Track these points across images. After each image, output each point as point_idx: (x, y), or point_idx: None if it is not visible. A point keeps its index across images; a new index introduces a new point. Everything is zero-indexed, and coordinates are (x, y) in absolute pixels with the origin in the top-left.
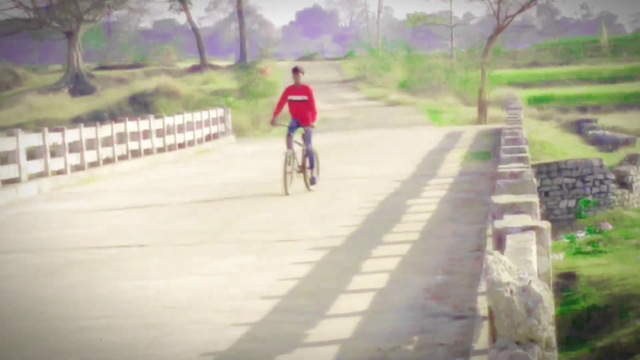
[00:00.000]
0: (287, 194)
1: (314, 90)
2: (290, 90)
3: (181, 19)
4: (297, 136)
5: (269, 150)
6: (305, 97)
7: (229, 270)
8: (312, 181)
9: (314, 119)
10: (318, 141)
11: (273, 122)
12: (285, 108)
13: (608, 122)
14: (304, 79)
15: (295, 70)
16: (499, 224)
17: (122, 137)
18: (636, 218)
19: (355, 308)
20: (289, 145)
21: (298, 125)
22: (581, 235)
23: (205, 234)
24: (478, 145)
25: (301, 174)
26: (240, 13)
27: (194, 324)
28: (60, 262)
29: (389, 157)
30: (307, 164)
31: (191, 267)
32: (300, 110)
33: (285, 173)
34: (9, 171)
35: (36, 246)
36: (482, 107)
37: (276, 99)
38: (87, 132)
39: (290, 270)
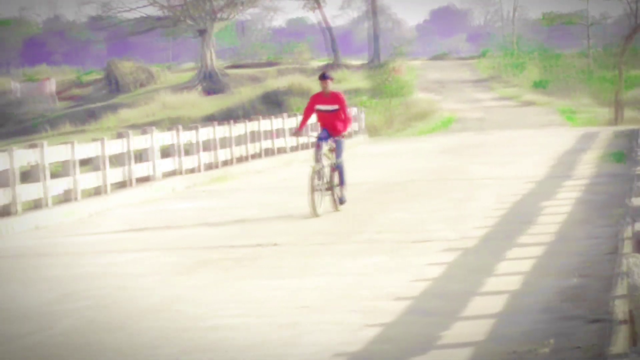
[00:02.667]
0: (316, 215)
1: (345, 98)
2: (317, 99)
3: (314, 17)
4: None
5: (402, 150)
6: (335, 106)
7: (361, 271)
8: (341, 201)
9: (346, 128)
10: (452, 140)
11: (297, 134)
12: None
13: None
14: (333, 86)
15: (324, 77)
16: (639, 226)
17: (255, 136)
18: None
19: (489, 310)
20: (318, 158)
21: (328, 135)
22: None
23: (338, 234)
24: (614, 146)
25: (329, 191)
26: (373, 11)
27: (326, 324)
28: (193, 260)
29: (523, 158)
30: (336, 180)
31: (324, 267)
32: (329, 120)
33: (312, 191)
34: (143, 169)
35: (169, 245)
36: (618, 107)
37: (410, 98)
38: (220, 131)
39: (423, 271)
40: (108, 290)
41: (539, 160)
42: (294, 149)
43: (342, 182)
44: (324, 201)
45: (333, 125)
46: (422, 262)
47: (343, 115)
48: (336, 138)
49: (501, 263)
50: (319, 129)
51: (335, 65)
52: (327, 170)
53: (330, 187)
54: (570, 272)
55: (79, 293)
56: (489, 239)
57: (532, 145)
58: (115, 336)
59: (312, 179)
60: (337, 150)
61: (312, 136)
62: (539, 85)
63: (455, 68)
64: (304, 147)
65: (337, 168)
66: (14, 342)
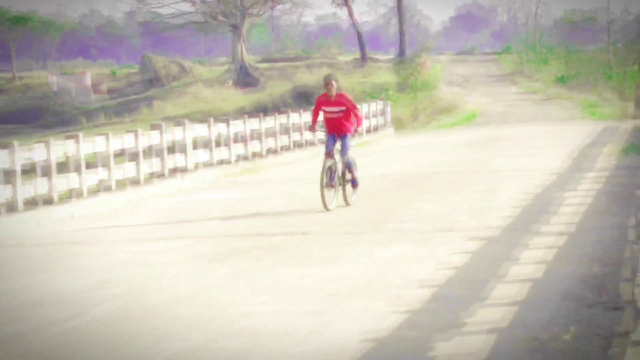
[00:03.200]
0: (327, 209)
1: (351, 98)
2: (323, 102)
3: (343, 13)
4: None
5: (428, 144)
6: (342, 108)
7: (388, 259)
8: (353, 183)
9: (359, 124)
10: (476, 134)
11: (312, 130)
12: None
13: None
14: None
15: (328, 81)
16: None
17: (285, 129)
18: None
19: (512, 297)
20: (330, 155)
21: (335, 139)
22: None
23: (365, 224)
24: (635, 139)
25: (340, 187)
26: (400, 8)
27: (354, 311)
28: (225, 249)
29: (546, 151)
30: (348, 176)
31: (351, 256)
32: (335, 123)
33: (322, 187)
34: (176, 160)
35: (202, 234)
36: (639, 102)
37: (435, 92)
38: (252, 123)
39: (448, 259)
40: (141, 277)
41: (561, 153)
42: (323, 141)
43: (351, 169)
44: (337, 196)
45: (339, 127)
46: (447, 251)
47: (353, 116)
48: (342, 137)
49: (524, 252)
50: (326, 130)
51: (362, 60)
52: (339, 166)
53: (342, 183)
54: (591, 261)
55: (113, 280)
56: (512, 229)
57: (555, 139)
58: (149, 322)
59: (323, 176)
60: (343, 148)
61: (322, 131)
62: (561, 80)
63: (479, 63)
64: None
65: (347, 165)
66: (52, 328)
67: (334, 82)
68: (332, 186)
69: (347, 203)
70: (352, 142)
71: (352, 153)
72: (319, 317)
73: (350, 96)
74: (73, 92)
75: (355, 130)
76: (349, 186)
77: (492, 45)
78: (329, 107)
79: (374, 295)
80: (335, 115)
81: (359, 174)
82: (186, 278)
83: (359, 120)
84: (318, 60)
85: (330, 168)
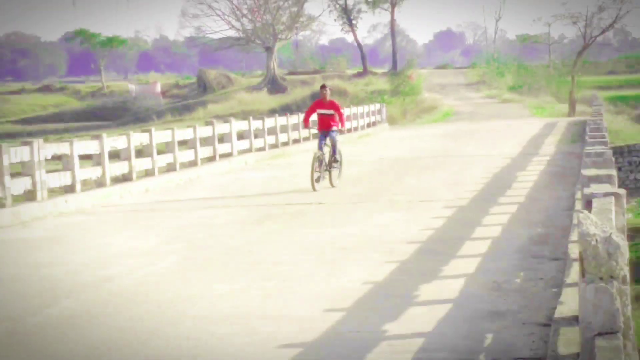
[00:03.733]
0: (314, 189)
1: (340, 105)
2: (319, 105)
3: (349, 36)
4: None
5: (415, 136)
6: (331, 111)
7: (383, 223)
8: (335, 161)
9: (343, 124)
10: (450, 128)
11: (306, 126)
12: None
13: None
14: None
15: (324, 88)
16: (587, 190)
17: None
18: None
19: (478, 251)
20: (320, 147)
21: (324, 136)
22: None
23: (366, 196)
24: (569, 132)
25: (327, 172)
26: (392, 33)
27: (358, 261)
28: (262, 214)
29: (503, 141)
30: (333, 162)
31: (356, 220)
32: (326, 122)
33: (312, 171)
34: (224, 148)
35: (243, 203)
36: (572, 104)
37: (419, 97)
38: (281, 120)
39: (429, 223)
40: (201, 235)
41: (514, 142)
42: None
43: (335, 155)
44: (324, 180)
45: (329, 124)
46: (428, 217)
47: (339, 118)
48: (329, 131)
49: (486, 217)
50: (317, 128)
51: (364, 72)
52: (326, 157)
53: (328, 168)
54: (537, 224)
55: (180, 237)
56: (478, 199)
57: (509, 131)
58: (206, 269)
59: (313, 164)
60: (331, 136)
61: (314, 128)
62: (514, 88)
63: (452, 75)
64: (342, 132)
65: (334, 145)
66: (135, 272)
67: (328, 90)
68: (319, 172)
69: (332, 185)
70: (338, 137)
71: (342, 146)
72: (332, 265)
73: (338, 102)
74: (147, 97)
75: (339, 129)
76: (334, 172)
77: (461, 61)
78: (322, 109)
79: (373, 249)
80: (326, 116)
81: (344, 160)
82: (233, 236)
83: (342, 121)
84: (330, 73)
85: (319, 158)
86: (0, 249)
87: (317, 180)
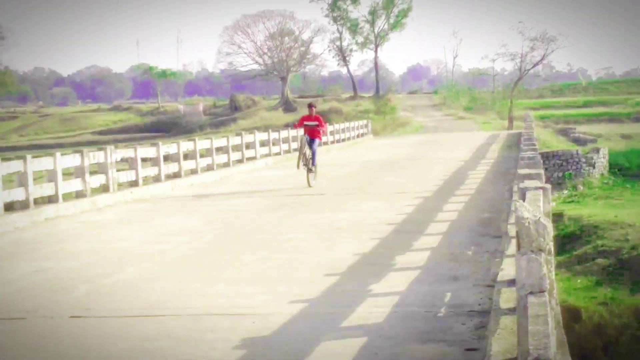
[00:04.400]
0: (298, 168)
1: (323, 119)
2: (306, 118)
3: (344, 70)
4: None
5: (392, 144)
6: (316, 123)
7: (369, 209)
8: (313, 164)
9: (325, 134)
10: (419, 139)
11: (295, 127)
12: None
13: (582, 129)
14: (316, 110)
15: (310, 106)
16: (522, 185)
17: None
18: (595, 184)
19: (439, 230)
20: (303, 148)
21: (309, 138)
22: (565, 192)
23: (356, 189)
24: (508, 141)
25: (310, 173)
26: (376, 67)
27: (349, 238)
28: (278, 203)
29: (458, 148)
30: (311, 164)
31: (348, 207)
32: (311, 131)
33: (300, 152)
34: (249, 153)
35: (265, 195)
36: (510, 120)
37: (396, 115)
38: (292, 132)
39: (403, 209)
40: (231, 218)
41: (466, 149)
42: (332, 142)
43: (314, 162)
44: (306, 174)
45: (313, 133)
46: (402, 204)
47: (321, 129)
48: (313, 139)
49: (446, 205)
50: (305, 134)
51: (355, 96)
52: (308, 156)
53: (309, 170)
54: (484, 210)
55: (216, 220)
56: (440, 192)
57: (463, 141)
58: (235, 243)
59: (299, 156)
60: (313, 146)
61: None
62: (467, 108)
63: (421, 98)
64: (339, 141)
65: (313, 154)
66: (183, 246)
67: (314, 107)
68: (305, 165)
69: (309, 185)
70: (318, 149)
71: (320, 150)
72: (330, 241)
73: (322, 118)
74: (192, 115)
75: (320, 138)
76: (311, 175)
77: (428, 88)
78: (309, 121)
79: (361, 229)
80: (312, 127)
81: (320, 163)
82: (255, 219)
83: (325, 132)
84: (329, 97)
85: (304, 154)
86: (80, 229)
87: (302, 166)
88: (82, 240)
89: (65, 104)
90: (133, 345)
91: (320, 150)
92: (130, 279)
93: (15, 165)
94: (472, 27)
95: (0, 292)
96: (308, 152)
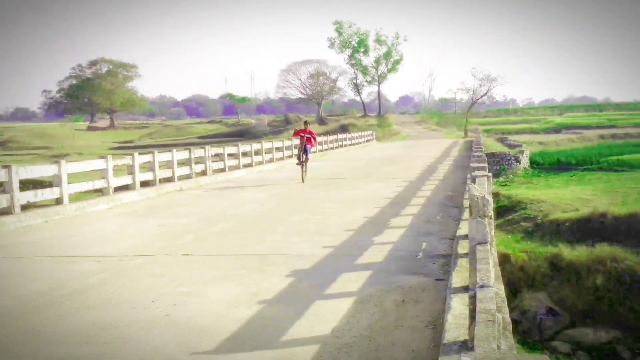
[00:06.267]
0: (298, 165)
1: (314, 133)
2: (302, 131)
3: (357, 98)
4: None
5: (389, 147)
6: (309, 135)
7: (373, 189)
8: (306, 166)
9: (315, 144)
10: (406, 143)
11: (294, 135)
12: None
13: (512, 138)
14: (311, 126)
15: (305, 123)
16: (473, 174)
17: (336, 140)
18: (520, 174)
19: (419, 203)
20: (300, 153)
21: (305, 147)
22: (501, 179)
23: (365, 176)
24: (464, 146)
25: (304, 172)
26: (379, 96)
27: (361, 207)
28: (314, 184)
29: (431, 150)
30: (305, 166)
31: (361, 187)
32: (305, 141)
33: (299, 152)
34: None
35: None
36: (466, 132)
37: (391, 128)
38: (325, 138)
39: (395, 189)
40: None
41: (436, 150)
42: (349, 145)
43: (307, 155)
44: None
45: (307, 142)
46: (395, 186)
47: (313, 140)
48: (308, 146)
49: (424, 186)
50: (300, 143)
51: (364, 116)
52: (302, 159)
53: (303, 166)
54: (448, 190)
55: (276, 195)
56: (419, 178)
57: (434, 145)
58: (287, 209)
59: (299, 156)
60: (306, 152)
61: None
62: (438, 123)
63: (408, 117)
64: (352, 144)
65: (307, 157)
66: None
67: (309, 123)
68: (301, 164)
69: (303, 181)
70: (310, 154)
71: (340, 151)
72: (348, 208)
73: (315, 132)
74: (260, 127)
75: (313, 145)
76: (305, 174)
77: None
78: (304, 133)
79: (368, 203)
80: (305, 138)
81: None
82: (301, 194)
83: (315, 142)
84: (348, 115)
85: (299, 158)
86: (187, 199)
87: (300, 163)
88: (188, 205)
89: (179, 118)
90: (220, 274)
91: (340, 151)
92: (219, 231)
93: (146, 157)
94: (441, 70)
95: (136, 240)
96: (303, 156)
